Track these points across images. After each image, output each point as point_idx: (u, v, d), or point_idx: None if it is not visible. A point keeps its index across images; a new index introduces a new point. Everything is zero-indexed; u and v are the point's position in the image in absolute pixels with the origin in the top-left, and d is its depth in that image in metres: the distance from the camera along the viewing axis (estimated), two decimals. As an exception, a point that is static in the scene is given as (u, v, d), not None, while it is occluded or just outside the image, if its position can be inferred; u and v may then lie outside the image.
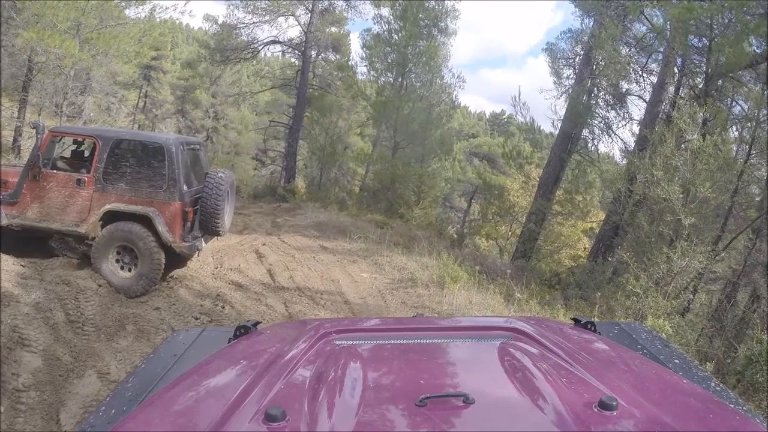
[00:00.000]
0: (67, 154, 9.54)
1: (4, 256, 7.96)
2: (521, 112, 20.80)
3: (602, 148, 20.99)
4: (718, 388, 1.90)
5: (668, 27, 16.96)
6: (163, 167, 7.87)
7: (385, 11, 25.21)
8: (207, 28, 27.02)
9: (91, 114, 32.79)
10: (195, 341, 2.32)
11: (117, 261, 8.08)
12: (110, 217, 8.01)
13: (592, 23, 20.12)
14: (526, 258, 18.23)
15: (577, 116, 18.83)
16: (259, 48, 26.77)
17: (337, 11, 27.51)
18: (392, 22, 25.00)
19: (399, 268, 11.69)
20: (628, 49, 19.27)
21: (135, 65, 41.22)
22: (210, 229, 8.63)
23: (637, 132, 18.92)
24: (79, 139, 9.29)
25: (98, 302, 7.62)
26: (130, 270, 8.09)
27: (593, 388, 1.46)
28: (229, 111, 43.14)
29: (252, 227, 15.85)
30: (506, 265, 15.91)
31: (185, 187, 8.06)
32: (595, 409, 1.32)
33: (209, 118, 43.41)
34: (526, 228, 19.33)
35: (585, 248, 21.97)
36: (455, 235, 18.23)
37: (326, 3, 27.01)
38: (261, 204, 22.39)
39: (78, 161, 9.23)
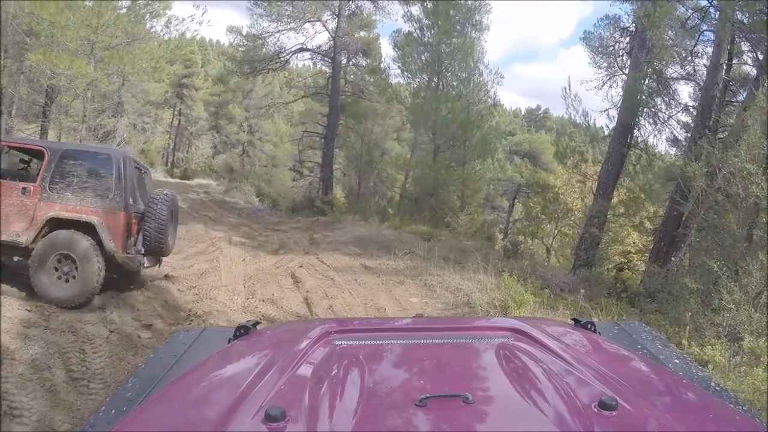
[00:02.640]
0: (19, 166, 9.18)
1: (10, 299, 7.23)
2: (573, 105, 19.15)
3: (650, 140, 19.31)
4: (718, 388, 1.88)
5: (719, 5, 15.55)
6: (110, 177, 7.77)
7: (415, 9, 24.42)
8: (232, 40, 26.32)
9: (125, 135, 32.55)
10: (195, 341, 2.28)
11: (56, 270, 7.55)
12: (53, 227, 7.67)
13: (638, 5, 18.60)
14: (589, 266, 16.64)
15: (635, 105, 17.21)
16: (288, 56, 26.07)
17: (364, 14, 26.52)
18: (423, 19, 24.13)
19: (452, 290, 10.39)
20: (673, 33, 17.71)
21: (167, 84, 41.39)
22: (155, 250, 8.45)
23: (692, 120, 17.49)
24: (29, 150, 8.84)
25: (108, 352, 6.63)
26: (67, 281, 7.57)
27: (593, 388, 1.42)
28: (263, 124, 42.77)
29: (289, 245, 14.84)
30: (569, 276, 14.44)
31: (131, 200, 7.93)
32: (595, 409, 1.29)
33: (244, 132, 43.14)
34: (588, 233, 17.64)
35: (634, 243, 20.34)
36: (509, 245, 16.75)
37: (353, 6, 26.11)
38: (299, 218, 21.48)
39: (27, 172, 8.88)
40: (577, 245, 18.62)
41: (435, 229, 17.94)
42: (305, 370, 1.57)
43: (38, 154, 8.44)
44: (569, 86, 19.12)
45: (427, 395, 1.34)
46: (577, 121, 19.83)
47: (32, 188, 7.72)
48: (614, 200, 18.72)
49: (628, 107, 17.49)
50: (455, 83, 23.96)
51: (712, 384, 1.90)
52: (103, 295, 8.39)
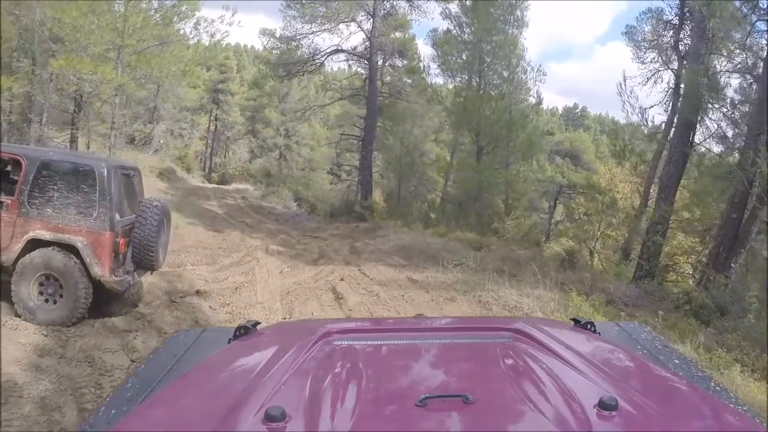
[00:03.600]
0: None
1: (26, 323, 6.79)
2: (629, 102, 18.02)
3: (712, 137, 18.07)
4: (718, 388, 1.87)
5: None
6: (93, 193, 7.12)
7: (453, 6, 23.64)
8: (265, 43, 25.81)
9: (161, 141, 32.48)
10: (195, 342, 2.25)
11: (41, 294, 7.06)
12: (35, 245, 7.14)
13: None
14: (651, 276, 15.42)
15: (698, 101, 15.92)
16: (323, 58, 25.49)
17: (399, 14, 25.82)
18: (461, 17, 23.37)
19: (511, 308, 9.36)
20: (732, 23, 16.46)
21: (203, 90, 41.43)
22: (143, 264, 7.84)
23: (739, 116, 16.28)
24: (5, 159, 8.11)
25: (129, 386, 5.82)
26: (55, 302, 7.07)
27: (593, 388, 1.43)
28: (300, 127, 42.40)
29: (328, 255, 14.04)
30: (631, 288, 13.27)
31: (117, 216, 7.29)
32: (595, 409, 1.29)
33: (280, 135, 42.86)
34: (650, 241, 16.41)
35: (679, 244, 19.00)
36: (565, 255, 15.62)
37: (388, 6, 25.44)
38: (338, 224, 20.74)
39: (3, 183, 8.12)
40: (624, 248, 17.59)
41: (482, 236, 16.91)
42: (305, 370, 1.56)
43: (15, 164, 7.74)
44: (624, 82, 17.85)
45: (427, 395, 1.33)
46: (633, 119, 18.66)
47: (10, 203, 7.12)
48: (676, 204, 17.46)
49: (690, 103, 16.22)
50: (497, 82, 23.00)
51: (712, 384, 1.90)
52: (128, 316, 7.78)
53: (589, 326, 2.10)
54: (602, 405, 1.28)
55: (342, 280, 11.00)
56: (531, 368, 1.55)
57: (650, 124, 18.37)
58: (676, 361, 2.07)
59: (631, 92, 18.32)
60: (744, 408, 1.72)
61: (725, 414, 1.44)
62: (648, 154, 19.41)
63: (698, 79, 15.82)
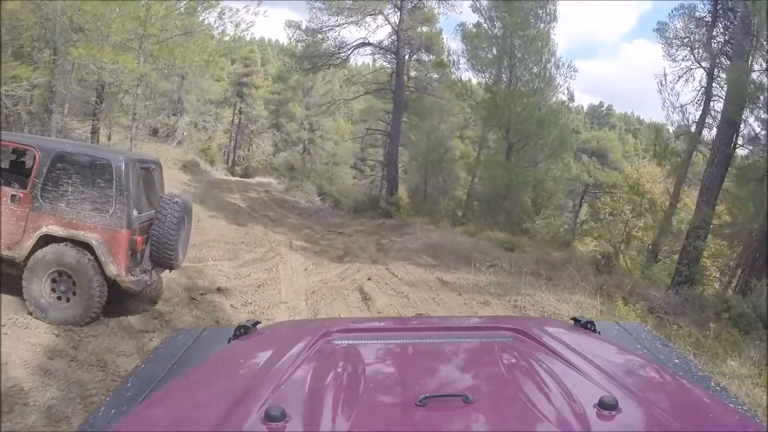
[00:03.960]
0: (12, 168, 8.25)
1: (38, 322, 6.46)
2: (670, 100, 17.27)
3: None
4: (718, 388, 1.86)
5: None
6: (110, 188, 6.77)
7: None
8: (290, 35, 25.41)
9: (185, 133, 32.33)
10: (195, 341, 2.23)
11: (53, 291, 6.75)
12: (46, 240, 6.84)
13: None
14: (690, 283, 14.71)
15: (742, 100, 15.11)
16: (349, 52, 25.11)
17: (427, 7, 25.45)
18: (491, 10, 22.82)
19: (550, 315, 8.70)
20: None
21: (227, 83, 41.30)
22: (161, 262, 7.48)
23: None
24: (20, 150, 7.91)
25: (143, 393, 5.40)
26: (68, 300, 6.75)
27: (593, 388, 1.41)
28: (324, 122, 42.14)
29: (354, 252, 13.59)
30: (671, 295, 12.58)
31: (135, 213, 6.95)
32: (595, 409, 1.29)
33: (304, 130, 42.61)
34: (691, 246, 15.70)
35: (707, 247, 18.22)
36: (601, 258, 14.97)
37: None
38: (362, 220, 20.31)
39: (17, 175, 7.89)
40: (652, 250, 16.95)
41: (513, 235, 16.35)
42: (305, 369, 1.56)
43: (29, 155, 7.53)
44: (665, 78, 17.09)
45: (427, 395, 1.32)
46: (674, 118, 17.92)
47: (22, 196, 6.79)
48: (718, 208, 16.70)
49: (734, 102, 15.41)
50: (527, 77, 22.42)
51: (712, 384, 1.89)
52: (145, 315, 7.40)
53: (589, 326, 2.08)
54: (602, 405, 1.28)
55: (369, 279, 10.56)
56: (531, 368, 1.54)
57: (690, 123, 17.55)
58: (677, 361, 2.05)
59: (671, 90, 17.52)
60: (744, 408, 1.71)
61: (725, 414, 1.44)
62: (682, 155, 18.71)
63: (743, 77, 15.02)
